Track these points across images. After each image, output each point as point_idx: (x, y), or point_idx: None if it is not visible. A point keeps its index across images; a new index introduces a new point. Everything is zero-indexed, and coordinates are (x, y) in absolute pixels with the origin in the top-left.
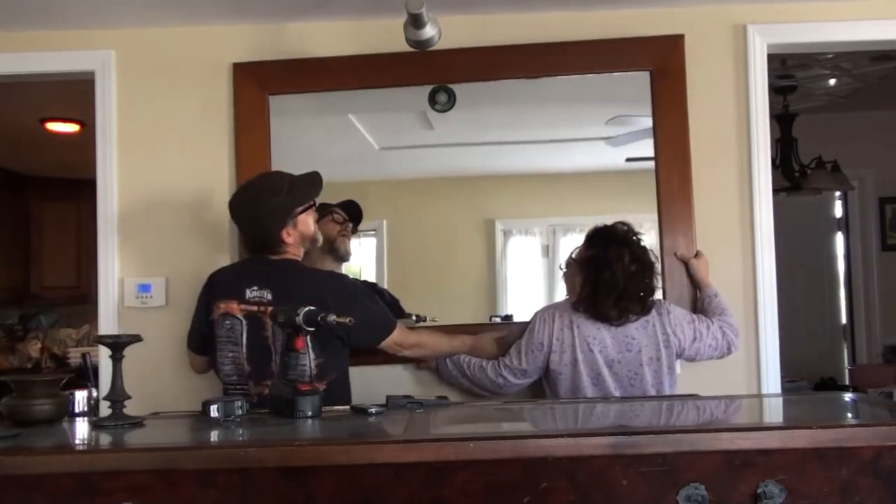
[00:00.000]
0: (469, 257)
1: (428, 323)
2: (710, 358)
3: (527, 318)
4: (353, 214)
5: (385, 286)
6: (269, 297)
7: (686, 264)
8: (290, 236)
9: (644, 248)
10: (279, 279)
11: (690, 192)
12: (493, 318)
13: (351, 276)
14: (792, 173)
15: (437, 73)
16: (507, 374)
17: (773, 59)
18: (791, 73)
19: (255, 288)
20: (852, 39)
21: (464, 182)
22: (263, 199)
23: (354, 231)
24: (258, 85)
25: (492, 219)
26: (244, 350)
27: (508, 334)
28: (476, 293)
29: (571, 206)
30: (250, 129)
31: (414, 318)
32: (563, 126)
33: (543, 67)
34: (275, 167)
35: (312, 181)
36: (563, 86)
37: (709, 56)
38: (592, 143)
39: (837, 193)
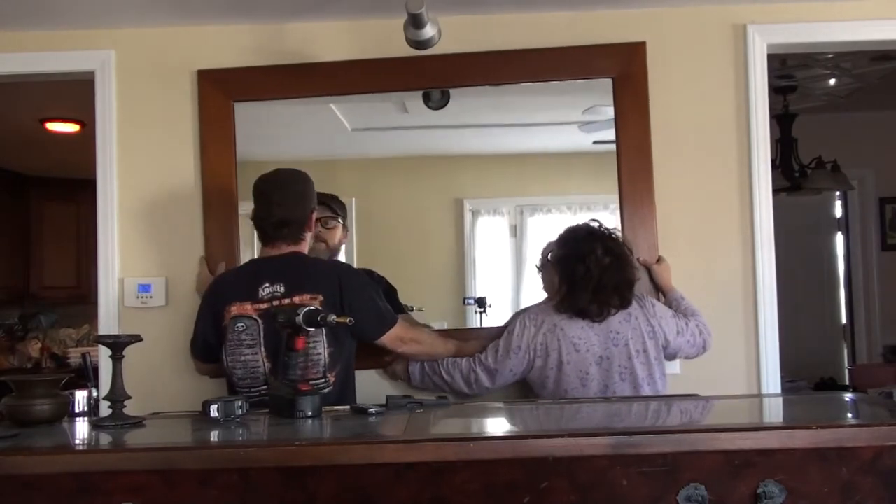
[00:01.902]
0: (438, 236)
1: (415, 312)
2: (687, 356)
3: (492, 301)
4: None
5: (355, 263)
6: (283, 289)
7: (649, 270)
8: (311, 223)
9: (616, 240)
10: (289, 271)
11: (653, 197)
12: (465, 301)
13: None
14: (792, 173)
15: (396, 80)
16: (480, 371)
17: (773, 59)
18: (791, 73)
19: (267, 285)
20: (852, 39)
21: (433, 161)
22: (305, 181)
23: (340, 222)
24: (223, 93)
25: (460, 198)
26: (263, 349)
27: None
28: (445, 271)
29: (539, 187)
30: (217, 134)
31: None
32: (538, 110)
33: (506, 75)
34: (243, 142)
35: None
36: (559, 61)
37: (708, 56)
38: (563, 126)
39: (837, 193)
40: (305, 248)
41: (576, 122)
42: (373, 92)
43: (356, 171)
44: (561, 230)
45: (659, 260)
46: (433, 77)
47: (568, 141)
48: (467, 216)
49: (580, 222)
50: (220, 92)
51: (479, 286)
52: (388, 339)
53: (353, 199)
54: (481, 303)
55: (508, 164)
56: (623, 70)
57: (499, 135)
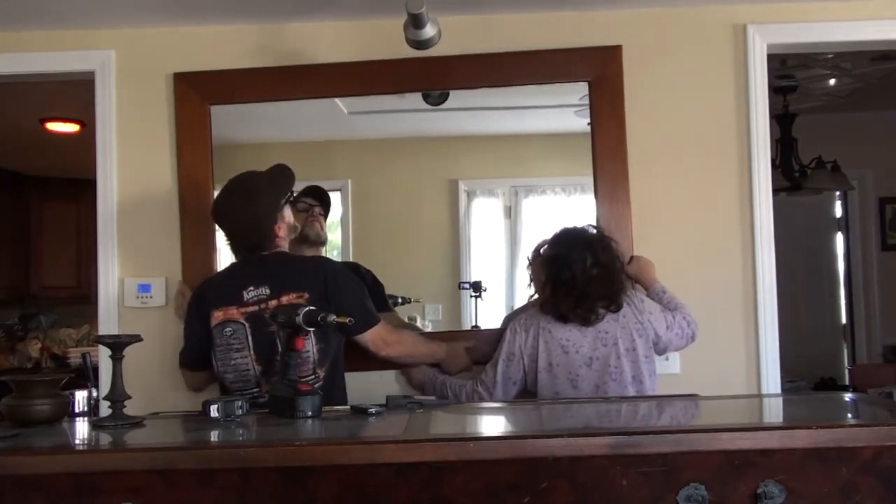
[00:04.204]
0: (433, 217)
1: (411, 304)
2: (677, 348)
3: (487, 284)
4: (318, 198)
5: (350, 245)
6: (268, 291)
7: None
8: (280, 230)
9: (610, 249)
10: (274, 272)
11: (628, 198)
12: (461, 285)
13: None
14: (792, 173)
15: (360, 85)
16: (483, 391)
17: (773, 59)
18: (791, 73)
19: (252, 288)
20: (852, 39)
21: (429, 142)
22: (252, 200)
23: (325, 214)
24: (200, 96)
25: (455, 179)
26: (252, 352)
27: (478, 343)
28: (440, 253)
29: (534, 168)
30: (193, 140)
31: (400, 299)
32: (533, 93)
33: (483, 79)
34: (243, 126)
35: (284, 173)
36: (536, 64)
37: (708, 56)
38: (558, 109)
39: (837, 193)
40: (285, 242)
41: (571, 105)
42: (353, 94)
43: (352, 152)
44: (558, 229)
45: (630, 260)
46: (415, 80)
47: (563, 123)
48: (462, 197)
49: (578, 225)
50: (196, 95)
51: (474, 268)
52: (371, 337)
53: (349, 180)
54: (477, 287)
55: (503, 146)
56: (599, 73)
57: (494, 117)
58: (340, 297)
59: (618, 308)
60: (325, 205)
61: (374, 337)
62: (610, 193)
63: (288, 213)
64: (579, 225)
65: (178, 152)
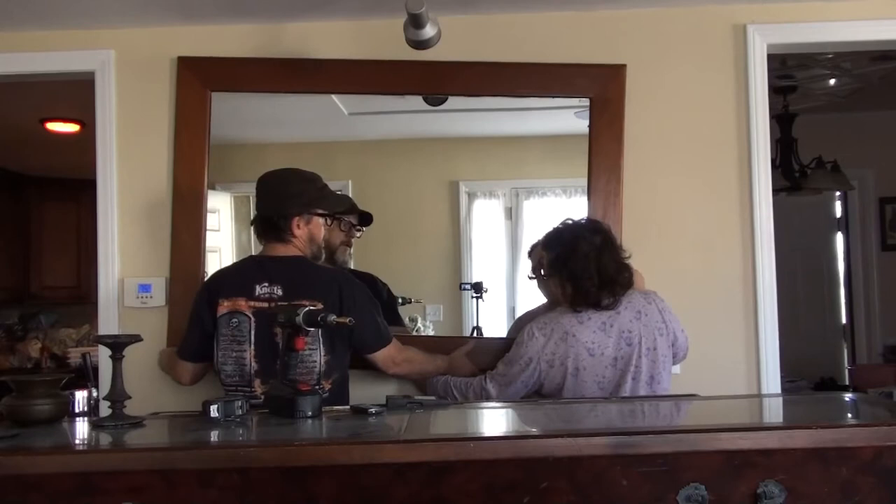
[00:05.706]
0: (434, 218)
1: (412, 304)
2: (675, 360)
3: (488, 285)
4: (363, 225)
5: (351, 246)
6: (281, 292)
7: None
8: (299, 228)
9: (598, 228)
10: (290, 274)
11: (620, 216)
12: (462, 286)
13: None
14: (792, 173)
15: (361, 83)
16: (491, 388)
17: (773, 59)
18: (791, 73)
19: (266, 284)
20: (852, 39)
21: (429, 144)
22: (292, 181)
23: (358, 234)
24: (201, 82)
25: (456, 180)
26: (252, 348)
27: (476, 347)
28: (441, 254)
29: (534, 170)
30: (191, 125)
31: (400, 300)
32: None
33: (488, 87)
34: (244, 126)
35: (343, 198)
36: (538, 77)
37: (708, 56)
38: (558, 110)
39: (837, 193)
40: (304, 249)
41: (571, 107)
42: (354, 92)
43: (353, 154)
44: (541, 236)
45: None
46: (415, 83)
47: (563, 125)
48: (463, 198)
49: (557, 225)
50: (198, 80)
51: (475, 269)
52: (382, 356)
53: (350, 181)
54: (478, 288)
55: (504, 147)
56: (600, 92)
57: (495, 118)
58: (355, 312)
59: (629, 284)
60: (366, 225)
61: (385, 357)
62: (603, 211)
63: (318, 226)
64: (569, 221)
65: (175, 137)
